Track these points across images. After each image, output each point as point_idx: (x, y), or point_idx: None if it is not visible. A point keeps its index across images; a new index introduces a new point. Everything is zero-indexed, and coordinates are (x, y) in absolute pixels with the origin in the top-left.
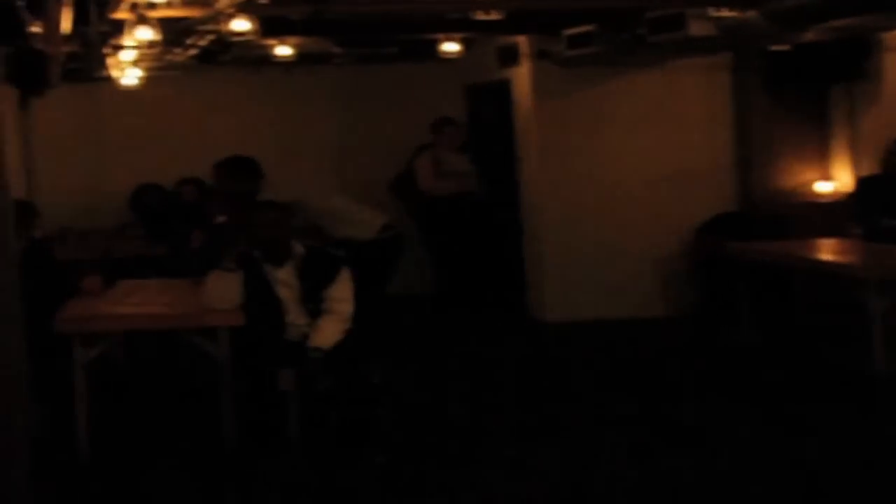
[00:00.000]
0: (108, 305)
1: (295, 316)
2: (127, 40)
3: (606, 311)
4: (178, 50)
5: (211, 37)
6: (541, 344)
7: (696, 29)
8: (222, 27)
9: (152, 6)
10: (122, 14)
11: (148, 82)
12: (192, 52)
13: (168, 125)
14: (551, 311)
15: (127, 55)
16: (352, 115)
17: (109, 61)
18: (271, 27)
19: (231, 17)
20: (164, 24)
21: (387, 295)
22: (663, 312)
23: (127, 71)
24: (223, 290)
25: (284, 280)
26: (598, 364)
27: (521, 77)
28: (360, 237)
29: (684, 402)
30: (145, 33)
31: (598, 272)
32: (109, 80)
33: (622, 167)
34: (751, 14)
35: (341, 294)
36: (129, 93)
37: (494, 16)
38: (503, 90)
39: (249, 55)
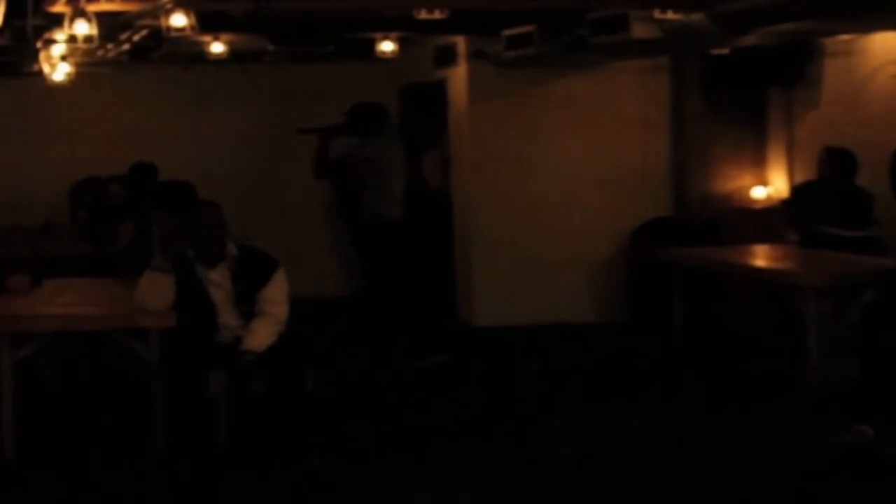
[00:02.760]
0: (36, 305)
1: (227, 318)
2: (61, 34)
3: (537, 316)
4: (110, 46)
5: (145, 32)
6: (469, 349)
7: (640, 31)
8: (160, 22)
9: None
10: (59, 7)
11: (78, 78)
12: (125, 47)
13: (97, 122)
14: (481, 315)
15: (58, 49)
16: (283, 114)
17: (41, 56)
18: (209, 23)
19: (170, 11)
20: (101, 18)
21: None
22: (595, 318)
23: (57, 66)
24: (156, 291)
25: (217, 281)
26: (527, 369)
27: (458, 78)
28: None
29: (614, 408)
30: (82, 27)
31: (529, 277)
32: (39, 76)
33: (557, 171)
34: (696, 17)
35: (276, 296)
36: (58, 89)
37: (438, 15)
38: (438, 91)
39: (182, 52)
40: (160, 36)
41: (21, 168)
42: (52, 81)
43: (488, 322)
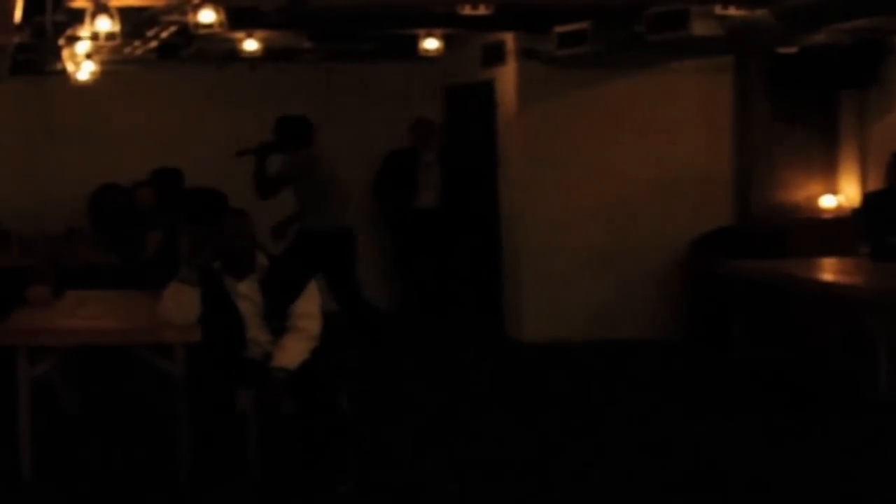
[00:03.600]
0: (56, 318)
1: (257, 333)
2: (84, 31)
3: (589, 331)
4: (137, 43)
5: (173, 29)
6: (517, 366)
7: (701, 28)
8: (187, 18)
9: None
10: (80, 2)
11: (104, 77)
12: (152, 45)
13: (124, 124)
14: (529, 330)
15: (82, 47)
16: (321, 115)
17: (64, 53)
18: (240, 19)
19: (197, 7)
20: (125, 14)
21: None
22: (651, 334)
23: (82, 64)
24: (181, 304)
25: (246, 294)
26: (579, 389)
27: (506, 78)
28: None
29: (672, 429)
30: (105, 24)
31: (581, 290)
32: (63, 74)
33: (612, 177)
34: (760, 13)
35: (308, 310)
36: (83, 88)
37: (482, 11)
38: (486, 92)
39: (213, 50)
40: (190, 33)
41: (43, 172)
42: (77, 81)
43: (537, 338)
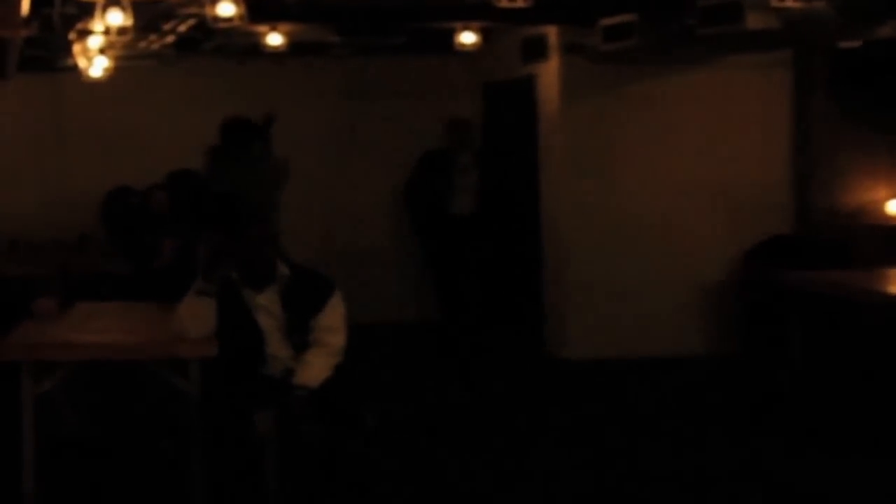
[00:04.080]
0: (63, 331)
1: (277, 348)
2: (95, 25)
3: (638, 347)
4: (153, 37)
5: (191, 22)
6: (560, 386)
7: (755, 21)
8: (205, 11)
9: None
10: None
11: (118, 73)
12: (170, 39)
13: (140, 123)
14: (573, 347)
15: (95, 42)
16: (351, 114)
17: (75, 48)
18: (260, 12)
19: None
20: (139, 7)
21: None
22: (704, 350)
23: (94, 60)
24: (197, 317)
25: (266, 306)
26: (625, 409)
27: (549, 74)
28: None
29: (726, 454)
30: (116, 17)
31: (629, 302)
32: (74, 70)
33: (661, 181)
34: (819, 5)
35: (332, 323)
36: (96, 85)
37: (521, 3)
38: (526, 89)
39: (235, 44)
40: (209, 27)
41: (53, 174)
42: (89, 77)
43: (582, 354)
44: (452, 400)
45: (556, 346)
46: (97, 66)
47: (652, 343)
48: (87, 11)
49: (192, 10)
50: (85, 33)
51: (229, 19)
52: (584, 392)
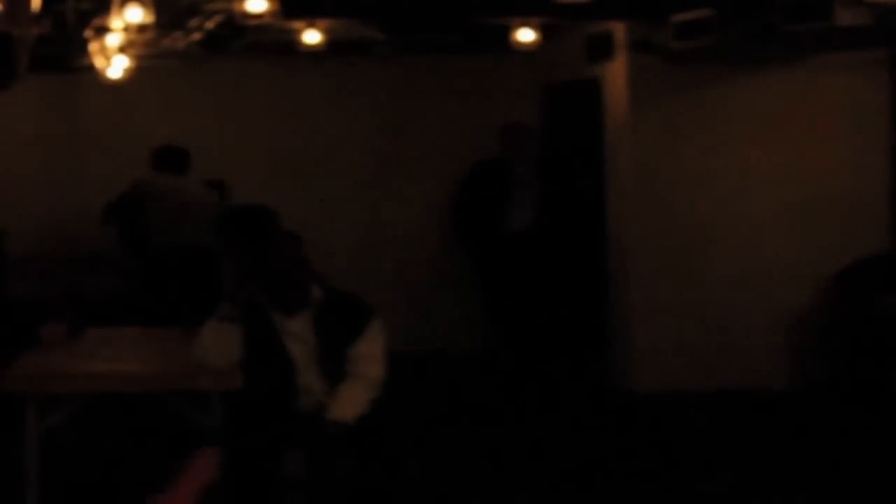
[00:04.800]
0: (73, 360)
1: (309, 379)
2: (113, 21)
3: (714, 380)
4: (178, 34)
5: (219, 18)
6: (626, 420)
7: (845, 17)
8: (234, 6)
9: None
10: None
11: (139, 74)
12: (196, 37)
13: (164, 128)
14: (643, 378)
15: (113, 40)
16: (395, 120)
17: (91, 47)
18: (295, 7)
19: None
20: (160, 3)
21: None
22: (787, 383)
23: (113, 60)
24: (220, 345)
25: (297, 333)
26: (698, 448)
27: (615, 75)
28: None
29: (812, 499)
30: (135, 14)
31: (704, 329)
32: (91, 71)
33: (741, 194)
34: None
35: (370, 352)
36: (115, 87)
37: None
38: (591, 91)
39: (268, 42)
40: (239, 23)
41: (67, 184)
42: (107, 78)
43: (652, 387)
44: (506, 438)
45: (623, 377)
46: (116, 67)
47: (729, 374)
48: (104, 7)
49: (221, 5)
50: (102, 31)
51: (260, 15)
52: (654, 428)
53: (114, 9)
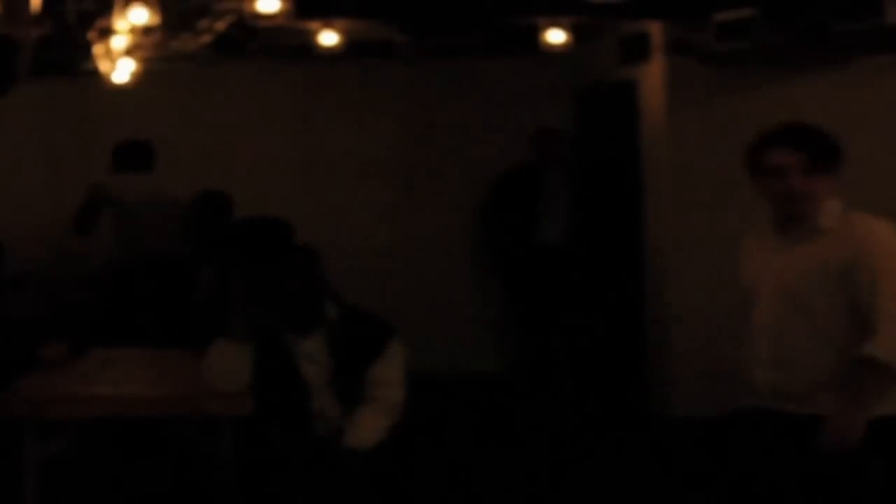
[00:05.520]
0: (73, 383)
1: (324, 404)
2: (117, 23)
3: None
4: (187, 36)
5: (230, 19)
6: (664, 446)
7: None
8: (244, 7)
9: None
10: None
11: (147, 78)
12: (206, 38)
13: (173, 135)
14: (682, 402)
15: (119, 42)
16: (419, 125)
17: (96, 50)
18: (309, 6)
19: None
20: (168, 3)
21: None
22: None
23: (119, 63)
24: (229, 367)
25: (312, 355)
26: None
27: (652, 78)
28: None
29: None
30: (139, 15)
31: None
32: (96, 75)
33: None
34: None
35: (389, 376)
36: (120, 92)
37: None
38: (626, 95)
39: (283, 44)
40: (250, 24)
41: (71, 195)
42: (113, 83)
43: (692, 410)
44: (534, 464)
45: (661, 400)
46: (122, 70)
47: (775, 398)
48: (108, 8)
49: (231, 5)
50: (106, 33)
51: (273, 16)
52: (693, 455)
53: (117, 10)
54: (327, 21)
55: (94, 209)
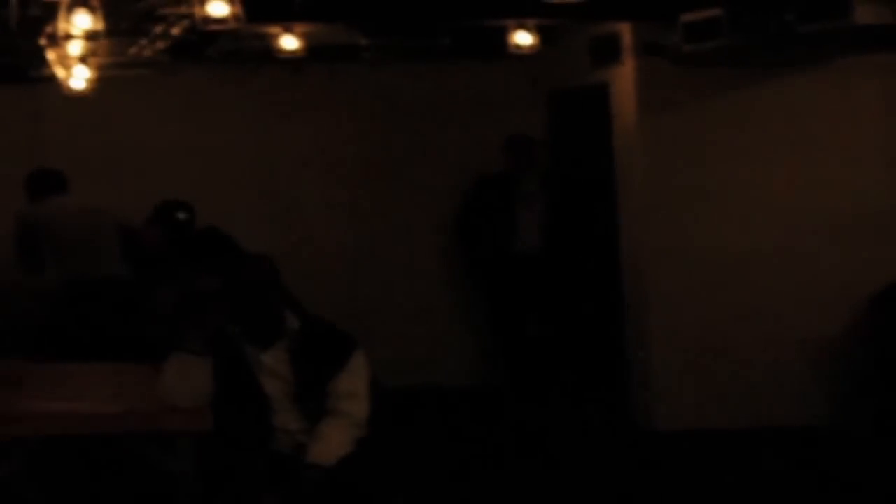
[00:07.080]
0: (25, 400)
1: (286, 418)
2: (62, 28)
3: (741, 416)
4: (143, 41)
5: (184, 24)
6: (647, 461)
7: (866, 15)
8: (195, 11)
9: None
10: None
11: (105, 85)
12: (162, 44)
13: (133, 143)
14: (663, 415)
15: (74, 48)
16: (386, 132)
17: (49, 56)
18: (263, 11)
19: None
20: (114, 8)
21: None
22: (822, 420)
23: (74, 70)
24: (187, 382)
25: (272, 367)
26: (727, 492)
27: (623, 80)
28: None
29: None
30: (83, 20)
31: (729, 360)
32: (52, 82)
33: (765, 211)
34: None
35: (352, 388)
36: (79, 99)
37: None
38: (598, 99)
39: (244, 49)
40: (204, 29)
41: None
42: (70, 90)
43: (675, 425)
44: (510, 482)
45: (643, 414)
46: (78, 77)
47: (758, 411)
48: (53, 13)
49: (183, 10)
50: (55, 38)
51: (223, 20)
52: (677, 470)
53: (61, 15)
54: (286, 25)
55: (30, 241)
